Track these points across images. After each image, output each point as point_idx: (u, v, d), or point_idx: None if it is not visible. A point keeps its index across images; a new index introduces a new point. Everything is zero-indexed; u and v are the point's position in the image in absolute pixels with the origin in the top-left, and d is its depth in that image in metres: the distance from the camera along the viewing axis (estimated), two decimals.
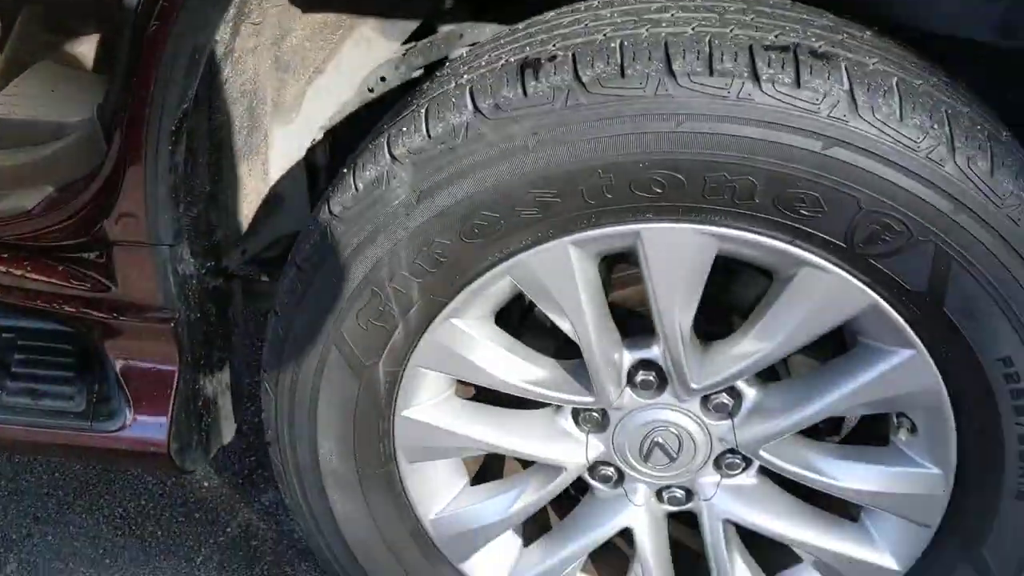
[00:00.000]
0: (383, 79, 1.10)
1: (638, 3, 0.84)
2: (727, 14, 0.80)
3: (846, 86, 0.74)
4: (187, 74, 0.83)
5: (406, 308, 0.87)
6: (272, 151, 1.05)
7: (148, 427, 0.99)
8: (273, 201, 1.07)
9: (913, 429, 0.89)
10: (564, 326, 0.89)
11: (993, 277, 0.76)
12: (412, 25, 1.07)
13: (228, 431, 1.09)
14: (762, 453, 0.93)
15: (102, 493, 1.46)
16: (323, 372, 0.92)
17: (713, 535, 1.00)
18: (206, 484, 1.47)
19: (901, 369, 0.83)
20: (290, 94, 1.05)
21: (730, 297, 0.95)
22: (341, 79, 1.10)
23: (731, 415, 0.93)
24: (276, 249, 1.11)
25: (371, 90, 1.10)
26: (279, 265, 0.99)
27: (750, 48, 0.75)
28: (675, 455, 0.95)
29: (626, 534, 1.03)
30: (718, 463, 0.97)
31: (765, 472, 0.98)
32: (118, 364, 0.98)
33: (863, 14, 0.84)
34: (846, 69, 0.74)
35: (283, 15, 0.97)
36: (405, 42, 1.09)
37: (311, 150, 1.10)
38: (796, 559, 1.02)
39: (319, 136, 1.11)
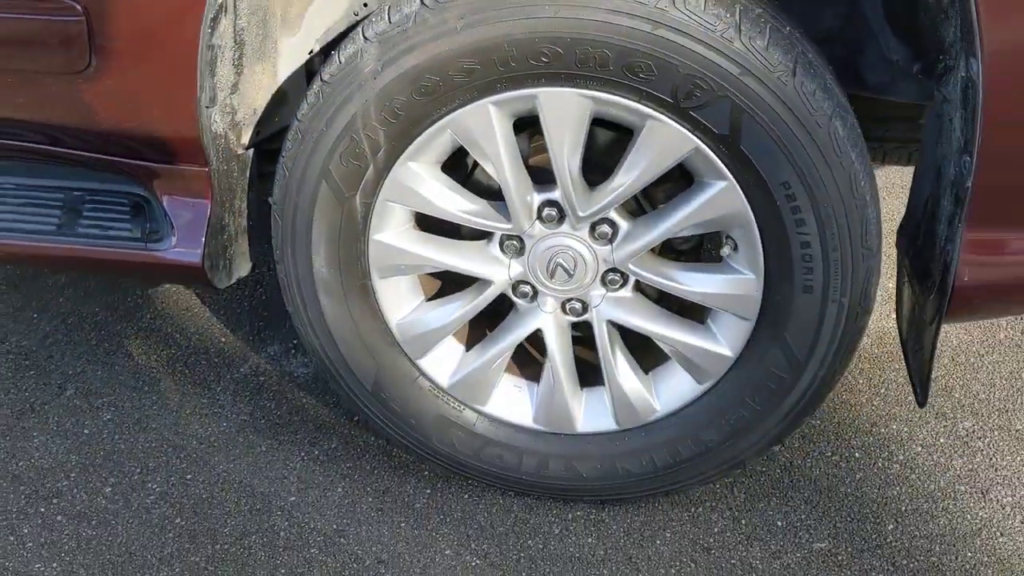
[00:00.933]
0: (366, 4, 1.45)
1: None
2: None
3: None
4: None
5: (375, 151, 1.23)
6: (280, 57, 1.41)
7: (188, 249, 1.35)
8: (280, 97, 1.42)
9: (736, 247, 1.25)
10: (489, 170, 1.25)
11: (771, 120, 1.12)
12: None
13: (245, 266, 1.45)
14: (632, 267, 1.29)
15: (141, 343, 1.83)
16: (315, 202, 1.27)
17: (601, 338, 1.35)
18: (223, 339, 1.83)
19: (719, 197, 1.19)
20: (294, 13, 1.40)
21: (609, 156, 1.31)
22: (334, 4, 1.45)
23: (611, 241, 1.28)
24: (279, 142, 1.47)
25: (356, 14, 1.46)
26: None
27: None
28: (571, 272, 1.31)
29: (539, 341, 1.39)
30: (604, 280, 1.32)
31: (639, 288, 1.34)
32: (165, 200, 1.34)
33: None
34: None
35: None
36: None
37: (310, 59, 1.46)
38: (665, 358, 1.38)
39: (316, 48, 1.47)
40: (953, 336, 1.80)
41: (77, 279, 1.98)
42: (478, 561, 1.39)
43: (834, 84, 1.15)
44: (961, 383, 1.69)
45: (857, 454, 1.56)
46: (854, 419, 1.62)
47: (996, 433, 1.59)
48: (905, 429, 1.60)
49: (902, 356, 1.39)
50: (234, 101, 1.34)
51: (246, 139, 1.38)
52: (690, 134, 1.15)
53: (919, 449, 1.56)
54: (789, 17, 1.17)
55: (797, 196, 1.15)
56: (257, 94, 1.38)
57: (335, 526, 1.44)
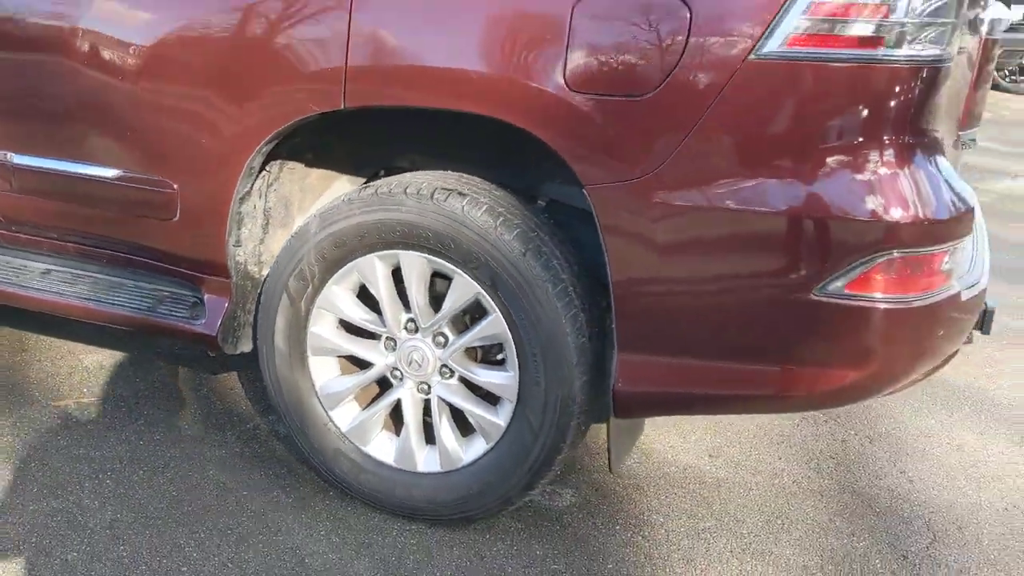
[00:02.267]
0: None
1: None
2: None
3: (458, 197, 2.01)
4: (247, 176, 2.19)
5: (313, 277, 2.16)
6: (295, 225, 2.41)
7: (212, 325, 2.31)
8: None
9: (506, 354, 2.08)
10: (376, 296, 2.16)
11: (512, 281, 1.97)
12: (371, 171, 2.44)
13: (247, 344, 2.39)
14: (453, 364, 2.13)
15: (166, 399, 2.78)
16: (279, 303, 2.21)
17: (435, 410, 2.18)
18: (232, 389, 2.76)
19: (493, 323, 2.03)
20: (308, 202, 2.42)
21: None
22: (332, 196, 2.46)
23: (444, 346, 2.14)
24: None
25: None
26: None
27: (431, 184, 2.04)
28: (421, 365, 2.17)
29: (400, 407, 2.23)
30: (440, 371, 2.17)
31: (463, 379, 2.17)
32: (205, 296, 2.33)
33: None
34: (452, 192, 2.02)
35: (303, 171, 2.36)
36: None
37: None
38: (474, 430, 2.18)
39: None
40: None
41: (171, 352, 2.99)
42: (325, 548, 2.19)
43: (556, 262, 2.00)
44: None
45: (593, 499, 2.28)
46: (590, 471, 2.35)
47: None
48: (620, 482, 2.31)
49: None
50: (260, 249, 2.34)
51: (265, 270, 2.36)
52: (475, 284, 2.03)
53: (629, 494, 2.26)
54: (529, 216, 2.04)
55: (528, 326, 2.00)
56: (276, 245, 2.37)
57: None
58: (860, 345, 1.80)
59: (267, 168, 2.27)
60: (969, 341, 2.47)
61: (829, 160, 1.72)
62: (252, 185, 2.22)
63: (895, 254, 1.73)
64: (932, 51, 1.71)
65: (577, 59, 1.78)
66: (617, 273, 1.87)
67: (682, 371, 1.92)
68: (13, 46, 2.29)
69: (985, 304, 2.48)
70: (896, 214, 1.72)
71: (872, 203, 1.72)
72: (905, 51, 1.68)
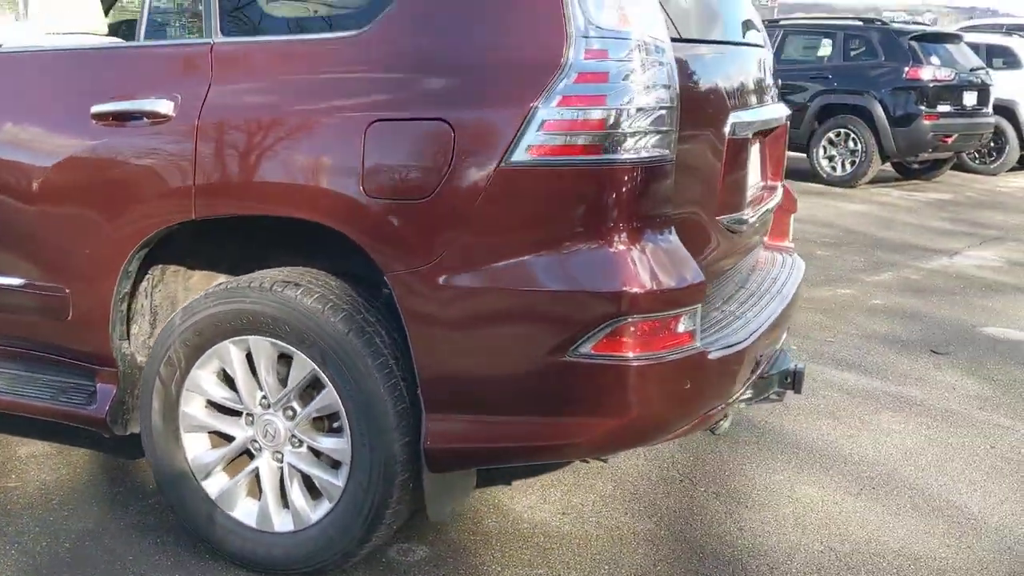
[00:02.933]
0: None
1: None
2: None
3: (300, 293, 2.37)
4: (124, 278, 2.56)
5: (180, 363, 2.51)
6: None
7: (101, 409, 2.65)
8: None
9: (342, 422, 2.40)
10: (234, 377, 2.50)
11: (340, 360, 2.31)
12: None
13: (135, 426, 2.73)
14: (299, 434, 2.46)
15: (84, 481, 3.09)
16: (154, 387, 2.56)
17: (289, 475, 2.50)
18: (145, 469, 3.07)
19: (328, 395, 2.37)
20: (191, 297, 2.80)
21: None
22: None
23: (293, 419, 2.47)
24: None
25: None
26: None
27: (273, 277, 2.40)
28: (275, 437, 2.50)
29: (259, 473, 2.54)
30: (290, 441, 2.49)
31: (310, 447, 2.49)
32: (98, 384, 2.68)
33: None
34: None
35: (186, 273, 2.74)
36: None
37: None
38: (320, 492, 2.49)
39: None
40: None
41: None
42: None
43: (379, 339, 2.33)
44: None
45: (444, 553, 2.56)
46: (447, 530, 2.63)
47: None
48: (472, 538, 2.59)
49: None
50: (149, 342, 2.70)
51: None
52: (311, 361, 2.37)
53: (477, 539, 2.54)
54: (357, 300, 2.39)
55: (355, 396, 2.32)
56: None
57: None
58: (615, 398, 2.12)
59: (150, 272, 2.65)
60: (779, 399, 2.79)
61: (571, 244, 2.08)
62: (135, 287, 2.60)
63: (631, 319, 2.07)
64: (653, 152, 2.08)
65: (370, 170, 2.16)
66: (415, 345, 2.22)
67: (480, 427, 2.24)
68: None
69: (795, 366, 2.80)
70: (628, 286, 2.06)
71: (608, 277, 2.07)
72: (627, 155, 2.06)
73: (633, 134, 2.06)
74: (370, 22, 2.23)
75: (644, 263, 2.09)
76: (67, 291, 2.60)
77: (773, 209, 3.09)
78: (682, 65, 2.22)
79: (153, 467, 2.64)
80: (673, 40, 2.20)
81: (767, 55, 3.07)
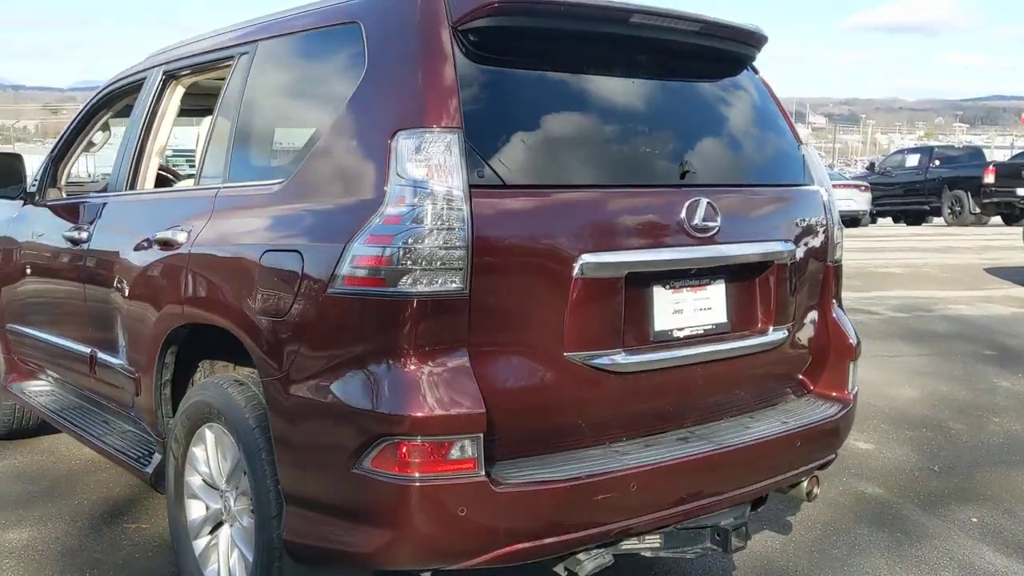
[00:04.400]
0: None
1: None
2: None
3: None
4: (160, 370, 3.27)
5: (182, 439, 3.11)
6: None
7: (147, 469, 3.35)
8: None
9: None
10: (206, 456, 3.03)
11: (243, 442, 2.73)
12: None
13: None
14: (235, 512, 2.90)
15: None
16: (169, 458, 3.18)
17: (230, 546, 2.94)
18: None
19: (245, 479, 2.79)
20: None
21: None
22: None
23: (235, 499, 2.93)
24: None
25: None
26: None
27: None
28: (230, 512, 2.96)
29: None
30: (235, 517, 2.94)
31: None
32: (155, 448, 3.39)
33: None
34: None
35: (231, 367, 3.40)
36: None
37: None
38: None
39: None
40: None
41: None
42: None
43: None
44: None
45: None
46: None
47: None
48: None
49: None
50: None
51: None
52: (240, 450, 2.82)
53: None
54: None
55: (255, 487, 2.71)
56: None
57: None
58: (391, 513, 2.26)
59: (200, 364, 3.32)
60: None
61: (367, 366, 2.31)
62: (188, 377, 3.29)
63: (400, 439, 2.21)
64: (438, 287, 2.25)
65: (257, 294, 2.61)
66: (275, 442, 2.57)
67: (316, 526, 2.49)
68: (53, 274, 3.75)
69: (729, 523, 2.67)
70: (400, 409, 2.22)
71: (384, 399, 2.25)
72: (412, 288, 2.25)
73: (417, 270, 2.24)
74: (287, 177, 2.71)
75: (419, 389, 2.24)
76: (137, 375, 3.37)
77: (760, 352, 2.88)
78: (503, 212, 2.35)
79: (169, 524, 3.26)
80: (504, 187, 2.35)
81: (721, 196, 2.77)
